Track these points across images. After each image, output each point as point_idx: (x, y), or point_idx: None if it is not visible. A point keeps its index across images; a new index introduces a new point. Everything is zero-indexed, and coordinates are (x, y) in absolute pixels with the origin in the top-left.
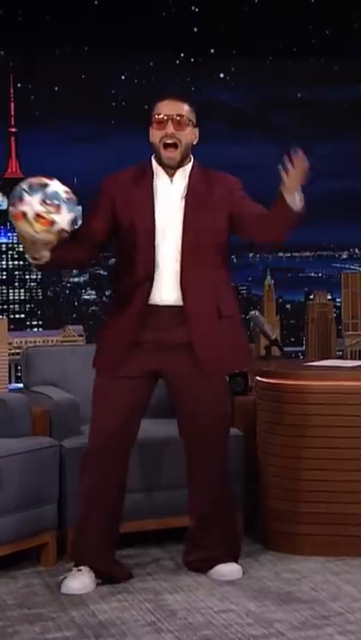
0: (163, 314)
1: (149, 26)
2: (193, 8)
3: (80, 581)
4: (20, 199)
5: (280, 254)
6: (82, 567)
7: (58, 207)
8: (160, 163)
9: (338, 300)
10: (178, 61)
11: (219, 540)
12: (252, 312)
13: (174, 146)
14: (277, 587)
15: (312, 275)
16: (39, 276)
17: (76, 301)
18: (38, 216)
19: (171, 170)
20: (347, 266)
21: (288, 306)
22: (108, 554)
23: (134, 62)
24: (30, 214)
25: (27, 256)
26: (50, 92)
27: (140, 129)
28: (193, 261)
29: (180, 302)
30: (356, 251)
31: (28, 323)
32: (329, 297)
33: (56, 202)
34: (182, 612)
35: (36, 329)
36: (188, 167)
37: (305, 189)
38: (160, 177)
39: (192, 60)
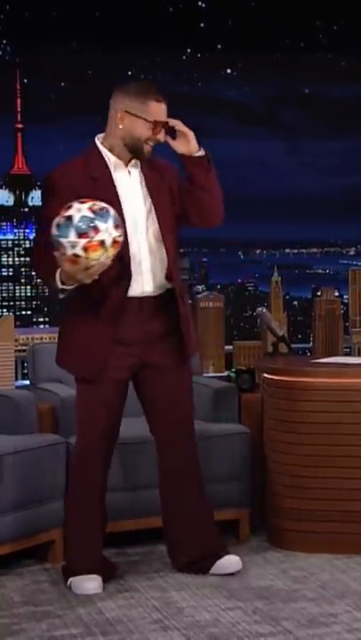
0: (144, 305)
1: (156, 21)
2: (200, 3)
3: (95, 581)
4: (95, 229)
5: (287, 251)
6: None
7: (119, 226)
8: (117, 153)
9: (345, 296)
10: (184, 57)
11: (206, 535)
12: (260, 309)
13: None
14: (284, 584)
15: (319, 271)
16: None
17: None
18: (114, 241)
19: (127, 160)
20: (354, 262)
21: (295, 302)
22: (101, 552)
23: (141, 58)
24: (109, 241)
25: (61, 286)
26: (56, 88)
27: None
28: (171, 248)
29: (159, 291)
30: None
31: (34, 319)
32: (336, 294)
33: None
34: (189, 609)
35: (42, 325)
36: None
37: (313, 184)
38: (118, 168)
39: (199, 55)
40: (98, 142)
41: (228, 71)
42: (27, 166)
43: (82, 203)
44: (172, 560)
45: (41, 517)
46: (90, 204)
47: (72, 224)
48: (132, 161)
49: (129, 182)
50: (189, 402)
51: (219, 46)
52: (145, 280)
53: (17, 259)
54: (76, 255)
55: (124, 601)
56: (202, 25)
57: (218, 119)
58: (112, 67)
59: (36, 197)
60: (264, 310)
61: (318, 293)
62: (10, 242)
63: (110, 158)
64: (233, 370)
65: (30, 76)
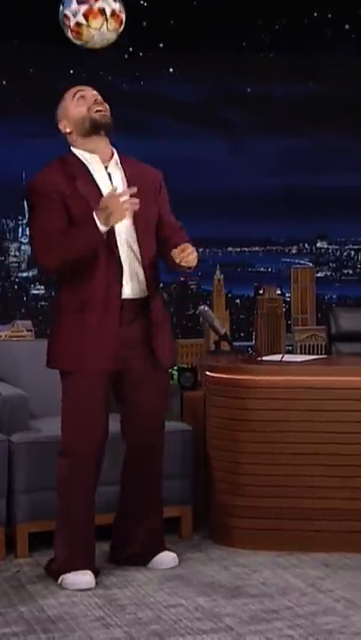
0: (128, 308)
1: None
2: (142, 2)
3: (88, 575)
4: None
5: (230, 249)
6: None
7: (120, 25)
8: (90, 150)
9: (287, 295)
10: (127, 55)
11: (155, 530)
12: (202, 307)
13: (104, 108)
14: (227, 581)
15: (262, 270)
16: None
17: (25, 296)
18: (114, 13)
19: (104, 157)
20: (296, 261)
21: (238, 301)
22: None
23: (83, 56)
24: (108, 10)
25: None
26: None
27: None
28: (147, 251)
29: (140, 295)
30: (306, 246)
31: None
32: (278, 292)
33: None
34: (131, 606)
35: None
36: (116, 156)
37: (256, 183)
38: (95, 166)
39: (141, 54)
40: (72, 148)
41: (171, 70)
42: None
43: None
44: (112, 554)
45: None
46: None
47: None
48: (112, 160)
49: (109, 182)
50: (164, 409)
51: (161, 45)
52: (130, 282)
53: None
54: (78, 24)
55: (66, 598)
56: (144, 24)
57: (160, 118)
58: (54, 65)
59: None
60: (206, 309)
61: (260, 292)
62: None
63: (86, 156)
64: (175, 368)
65: None
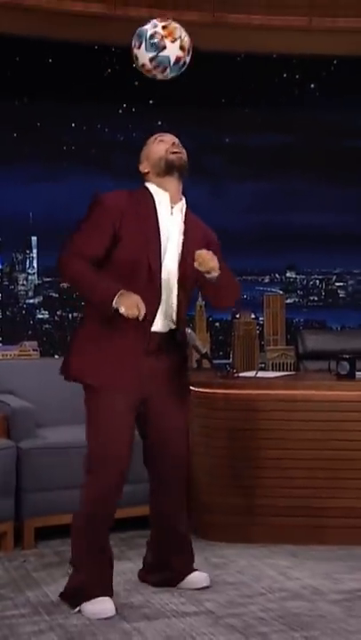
0: (157, 340)
1: (96, 81)
2: (134, 65)
3: (109, 602)
4: (139, 42)
5: None
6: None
7: (163, 70)
8: (162, 189)
9: (260, 318)
10: (120, 111)
11: (186, 554)
12: (186, 329)
13: (181, 151)
14: (207, 570)
15: None
16: None
17: (32, 320)
18: (143, 67)
19: (172, 198)
20: (268, 289)
21: (217, 324)
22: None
23: (83, 112)
24: (139, 62)
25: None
26: (9, 139)
27: (88, 169)
28: (184, 294)
29: (169, 328)
30: (277, 275)
31: None
32: (253, 316)
33: (163, 66)
34: (124, 592)
35: None
36: (183, 202)
37: (234, 221)
38: (162, 205)
39: (133, 109)
40: (146, 184)
41: (159, 123)
42: None
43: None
44: (144, 576)
45: None
46: (157, 34)
47: None
48: (179, 204)
49: (169, 222)
50: (187, 438)
51: (151, 102)
52: (161, 317)
53: None
54: (164, 27)
55: None
56: (136, 83)
57: None
58: (58, 120)
59: None
60: (189, 331)
61: (237, 316)
62: None
63: (158, 191)
64: None
65: None
